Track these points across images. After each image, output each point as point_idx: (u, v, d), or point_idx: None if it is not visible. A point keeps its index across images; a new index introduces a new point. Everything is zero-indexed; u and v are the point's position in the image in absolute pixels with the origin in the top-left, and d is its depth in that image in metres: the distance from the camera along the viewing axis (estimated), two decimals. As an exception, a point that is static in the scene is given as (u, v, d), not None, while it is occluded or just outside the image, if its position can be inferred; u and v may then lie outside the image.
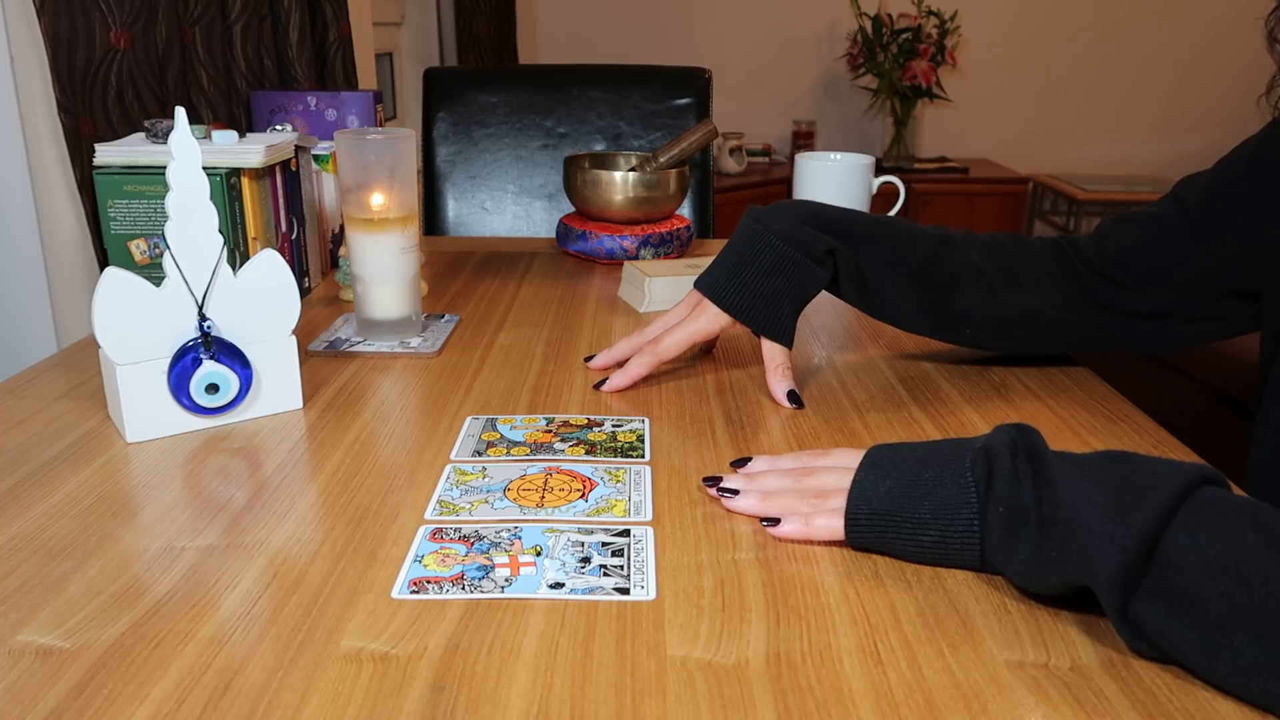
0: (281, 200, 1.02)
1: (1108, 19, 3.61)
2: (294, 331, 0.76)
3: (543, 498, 0.63)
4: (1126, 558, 0.46)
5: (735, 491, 0.61)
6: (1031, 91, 3.71)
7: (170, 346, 0.71)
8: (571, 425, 0.74)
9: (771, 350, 0.80)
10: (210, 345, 0.71)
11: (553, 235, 1.56)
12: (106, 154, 0.93)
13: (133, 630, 0.49)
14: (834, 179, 1.18)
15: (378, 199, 0.87)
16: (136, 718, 0.43)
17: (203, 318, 0.71)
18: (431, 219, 1.66)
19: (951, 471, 0.54)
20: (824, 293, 0.81)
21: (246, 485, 0.65)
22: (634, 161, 1.28)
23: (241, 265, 0.73)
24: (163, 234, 0.69)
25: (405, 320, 0.91)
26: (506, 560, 0.55)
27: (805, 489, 0.60)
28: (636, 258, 1.20)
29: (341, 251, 1.04)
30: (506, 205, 1.65)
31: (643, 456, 0.69)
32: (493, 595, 0.52)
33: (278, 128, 1.09)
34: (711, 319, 0.80)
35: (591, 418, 0.75)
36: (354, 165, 0.86)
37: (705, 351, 0.91)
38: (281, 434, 0.73)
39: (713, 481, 0.63)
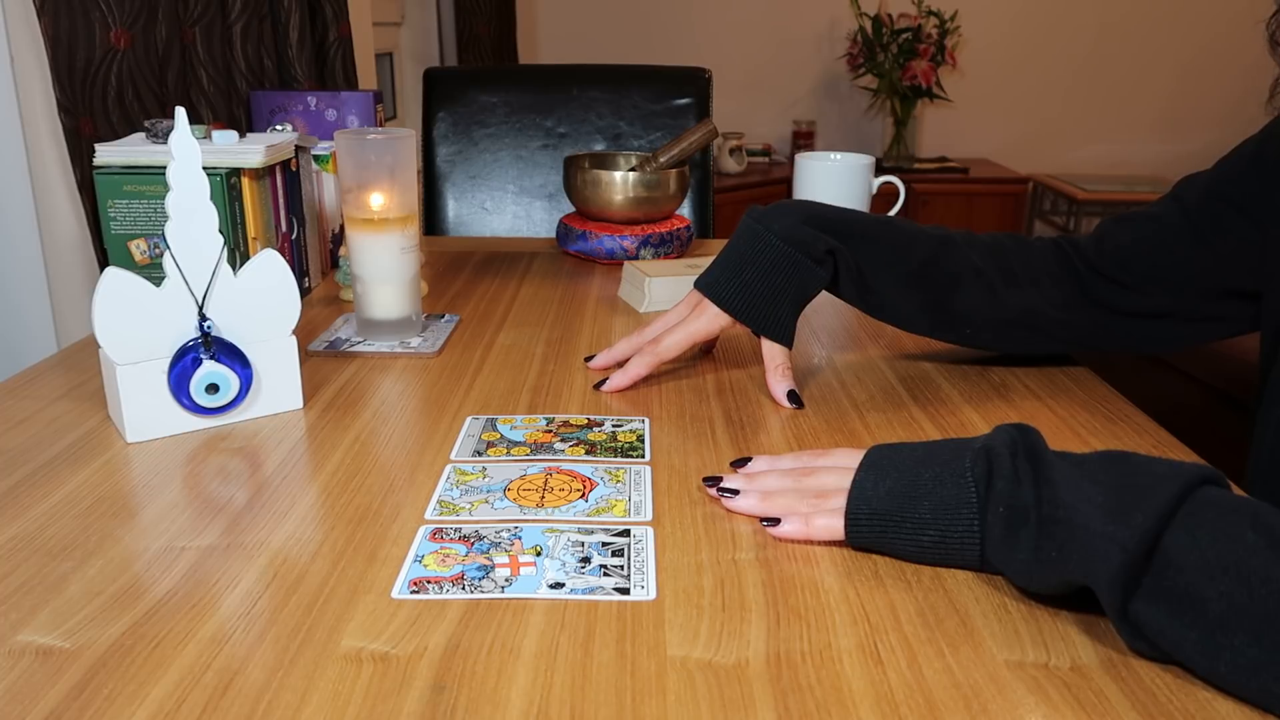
0: (281, 200, 1.02)
1: (1108, 19, 3.61)
2: (294, 331, 0.76)
3: (543, 498, 0.63)
4: (1126, 558, 0.46)
5: (735, 491, 0.61)
6: (1031, 91, 3.71)
7: (170, 346, 0.71)
8: (571, 425, 0.74)
9: (771, 350, 0.80)
10: (210, 345, 0.71)
11: (553, 235, 1.56)
12: (106, 154, 0.93)
13: (133, 630, 0.49)
14: (834, 179, 1.18)
15: (378, 199, 0.87)
16: (136, 718, 0.43)
17: (203, 318, 0.71)
18: (431, 219, 1.66)
19: (951, 471, 0.54)
20: (824, 293, 0.81)
21: (246, 485, 0.65)
22: (634, 161, 1.28)
23: (241, 265, 0.73)
24: (163, 234, 0.69)
25: (405, 320, 0.91)
26: (506, 560, 0.55)
27: (805, 489, 0.60)
28: (636, 258, 1.20)
29: (341, 251, 1.04)
30: (506, 205, 1.65)
31: (643, 456, 0.69)
32: (493, 595, 0.52)
33: (278, 128, 1.09)
34: (712, 319, 0.80)
35: (591, 418, 0.75)
36: (354, 165, 0.86)
37: (705, 351, 0.91)
38: (281, 434, 0.73)
39: (713, 481, 0.63)
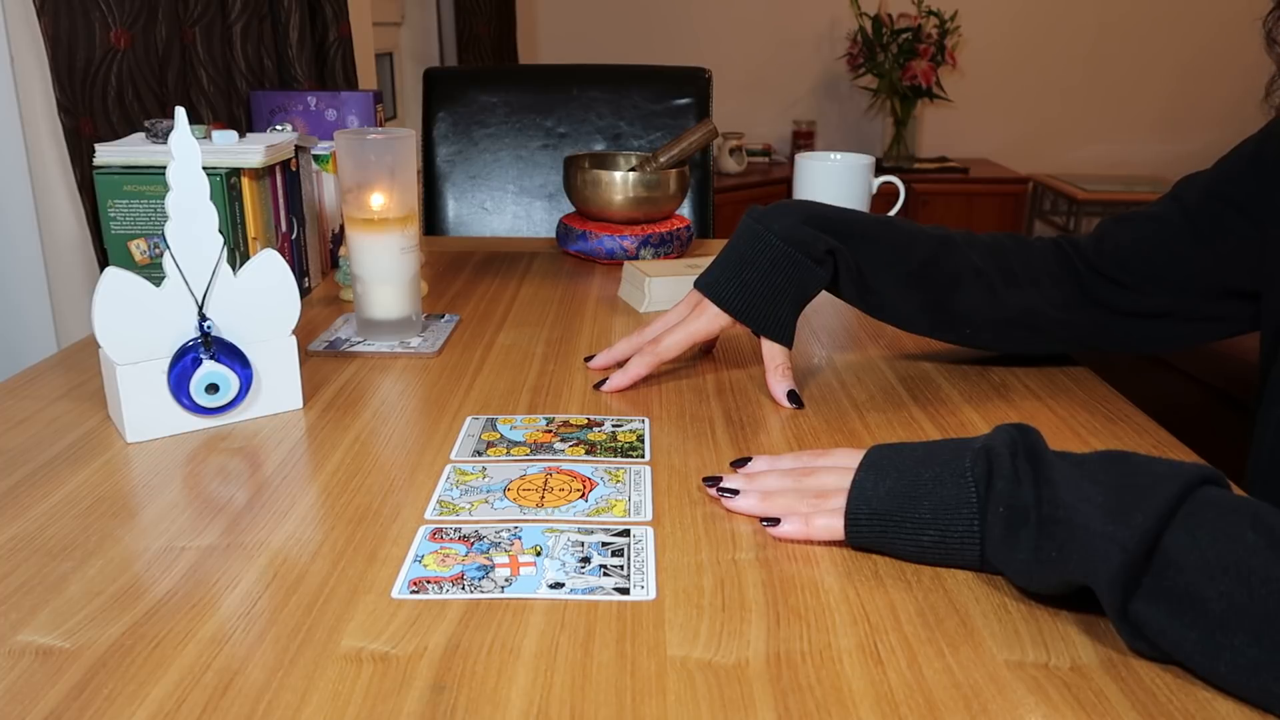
0: (281, 200, 1.02)
1: (1108, 19, 3.61)
2: (294, 331, 0.76)
3: (543, 498, 0.63)
4: (1126, 558, 0.46)
5: (735, 491, 0.61)
6: (1031, 91, 3.71)
7: (170, 346, 0.71)
8: (571, 425, 0.74)
9: (771, 350, 0.80)
10: (210, 345, 0.71)
11: (553, 235, 1.56)
12: (106, 154, 0.93)
13: (133, 630, 0.49)
14: (834, 179, 1.18)
15: (378, 199, 0.87)
16: (136, 718, 0.43)
17: (203, 318, 0.71)
18: (431, 219, 1.66)
19: (951, 471, 0.54)
20: (824, 293, 0.81)
21: (246, 485, 0.65)
22: (634, 161, 1.28)
23: (241, 265, 0.73)
24: (163, 234, 0.69)
25: (405, 320, 0.91)
26: (506, 560, 0.55)
27: (805, 489, 0.60)
28: (636, 258, 1.20)
29: (341, 251, 1.04)
30: (506, 205, 1.65)
31: (643, 456, 0.69)
32: (493, 595, 0.52)
33: (278, 128, 1.09)
34: (712, 319, 0.80)
35: (591, 418, 0.75)
36: (354, 165, 0.86)
37: (705, 351, 0.91)
38: (281, 434, 0.73)
39: (713, 481, 0.63)
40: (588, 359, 0.87)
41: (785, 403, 0.78)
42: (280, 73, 1.57)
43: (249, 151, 0.94)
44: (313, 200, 1.11)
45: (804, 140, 3.67)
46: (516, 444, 0.71)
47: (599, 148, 1.64)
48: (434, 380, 0.83)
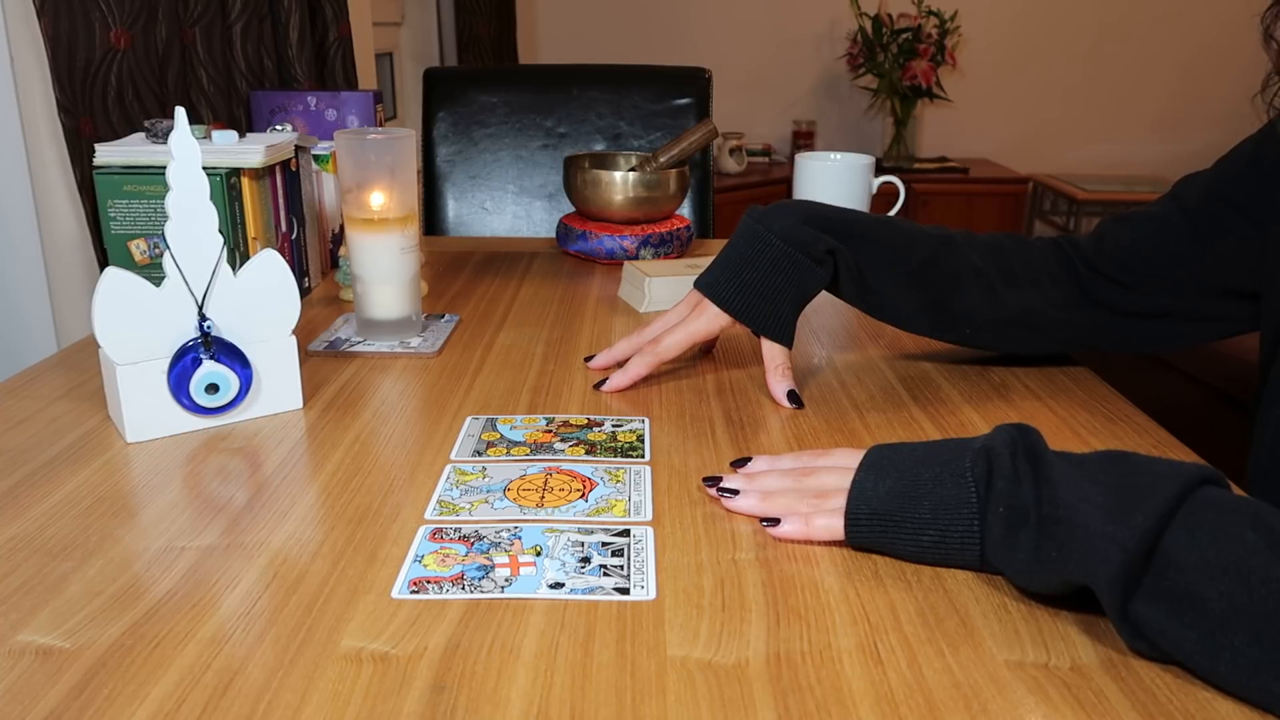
0: (281, 200, 1.02)
1: (1108, 19, 3.61)
2: (294, 331, 0.76)
3: (543, 498, 0.63)
4: (1126, 557, 0.46)
5: (735, 491, 0.61)
6: (1031, 91, 3.71)
7: (170, 346, 0.71)
8: (571, 425, 0.74)
9: (771, 350, 0.80)
10: (210, 345, 0.71)
11: (553, 235, 1.56)
12: (106, 154, 0.93)
13: (133, 630, 0.49)
14: (834, 179, 1.18)
15: (378, 199, 0.87)
16: (136, 718, 0.43)
17: (203, 318, 0.71)
18: (431, 219, 1.66)
19: (951, 471, 0.54)
20: (824, 293, 0.81)
21: (246, 485, 0.65)
22: (634, 161, 1.28)
23: (241, 265, 0.73)
24: (163, 234, 0.69)
25: (405, 320, 0.91)
26: (506, 560, 0.55)
27: (805, 489, 0.60)
28: (636, 258, 1.20)
29: (341, 251, 1.04)
30: (506, 205, 1.65)
31: (643, 456, 0.69)
32: (493, 595, 0.52)
33: (278, 128, 1.09)
34: (712, 319, 0.80)
35: (591, 418, 0.75)
36: (354, 165, 0.86)
37: (705, 351, 0.91)
38: (281, 434, 0.73)
39: (713, 481, 0.63)
40: (588, 359, 0.87)
41: (785, 403, 0.78)
42: (280, 73, 1.57)
43: (249, 151, 0.94)
44: (313, 200, 1.11)
45: (804, 140, 3.67)
46: (516, 444, 0.71)
47: (599, 148, 1.64)
48: (434, 380, 0.83)
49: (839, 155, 1.22)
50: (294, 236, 1.05)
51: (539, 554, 0.56)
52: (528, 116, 1.64)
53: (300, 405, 0.77)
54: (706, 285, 0.81)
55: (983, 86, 3.70)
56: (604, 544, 0.57)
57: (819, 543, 0.58)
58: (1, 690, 0.45)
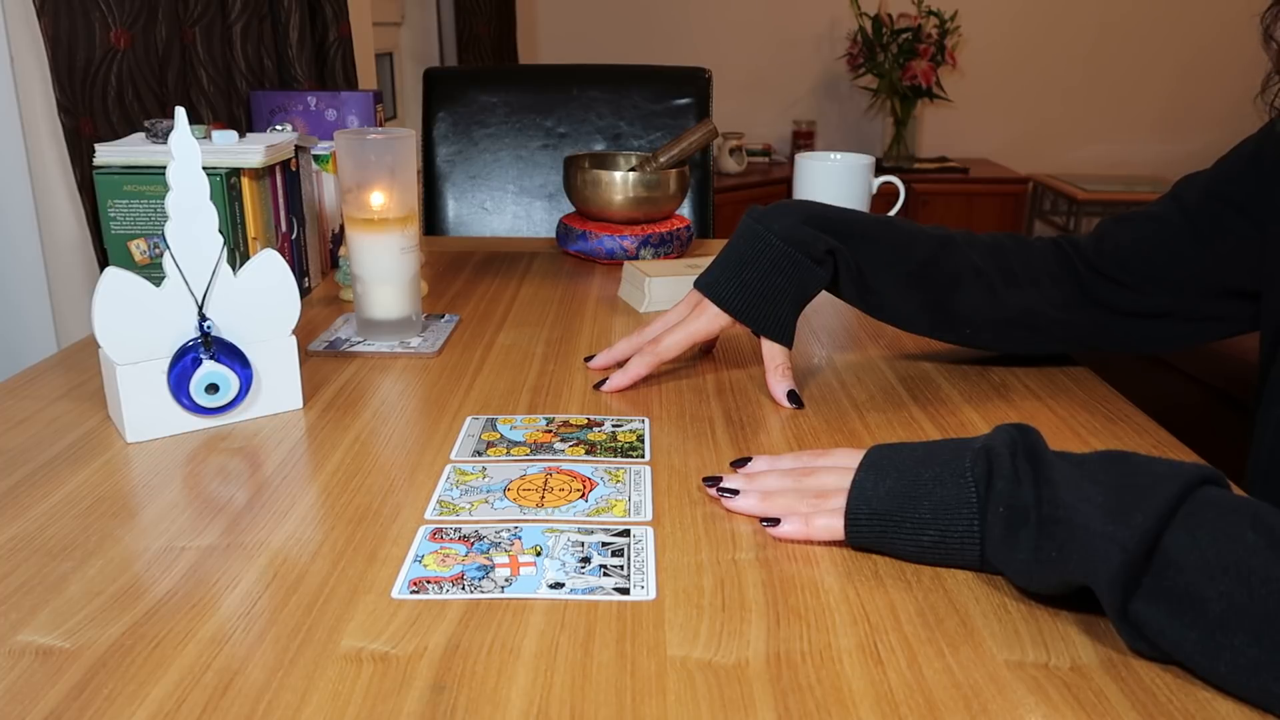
0: (281, 200, 1.02)
1: (1108, 19, 3.61)
2: (294, 331, 0.76)
3: (543, 498, 0.63)
4: (1126, 557, 0.46)
5: (735, 491, 0.61)
6: (1031, 91, 3.71)
7: (170, 346, 0.71)
8: (571, 425, 0.74)
9: (771, 350, 0.80)
10: (210, 345, 0.71)
11: (553, 235, 1.56)
12: (106, 154, 0.93)
13: (133, 630, 0.49)
14: (834, 179, 1.18)
15: (378, 199, 0.87)
16: (136, 718, 0.43)
17: (203, 318, 0.71)
18: (431, 219, 1.66)
19: (951, 471, 0.54)
20: (824, 293, 0.81)
21: (246, 485, 0.65)
22: (634, 161, 1.28)
23: (241, 265, 0.73)
24: (163, 234, 0.69)
25: (405, 320, 0.91)
26: (506, 560, 0.55)
27: (805, 489, 0.60)
28: (636, 258, 1.20)
29: (341, 251, 1.04)
30: (506, 205, 1.65)
31: (643, 456, 0.69)
32: (493, 595, 0.52)
33: (278, 128, 1.09)
34: (712, 319, 0.80)
35: (591, 418, 0.75)
36: (354, 165, 0.86)
37: (705, 351, 0.91)
38: (281, 434, 0.73)
39: (713, 481, 0.63)
40: (588, 359, 0.87)
41: (785, 403, 0.78)
42: (280, 73, 1.57)
43: (249, 151, 0.94)
44: (313, 200, 1.11)
45: (804, 140, 3.67)
46: (516, 444, 0.71)
47: (599, 148, 1.64)
48: (434, 380, 0.83)
49: (839, 155, 1.22)
50: (294, 236, 1.05)
51: (539, 554, 0.56)
52: (528, 116, 1.64)
53: (300, 405, 0.77)
54: (706, 285, 0.81)
55: (983, 86, 3.70)
56: (604, 544, 0.57)
57: (819, 543, 0.58)
58: (1, 690, 0.45)
